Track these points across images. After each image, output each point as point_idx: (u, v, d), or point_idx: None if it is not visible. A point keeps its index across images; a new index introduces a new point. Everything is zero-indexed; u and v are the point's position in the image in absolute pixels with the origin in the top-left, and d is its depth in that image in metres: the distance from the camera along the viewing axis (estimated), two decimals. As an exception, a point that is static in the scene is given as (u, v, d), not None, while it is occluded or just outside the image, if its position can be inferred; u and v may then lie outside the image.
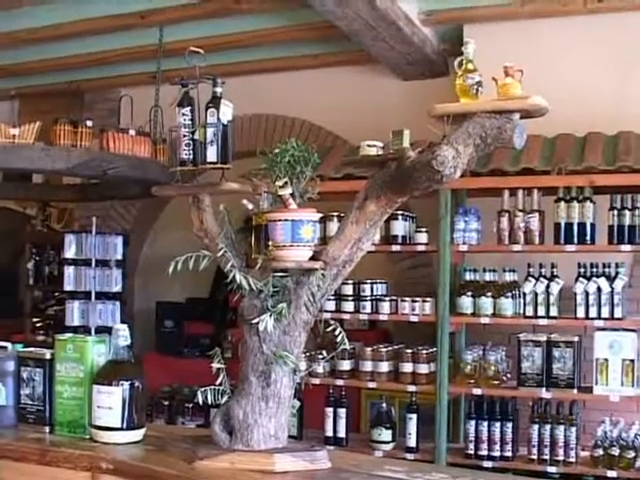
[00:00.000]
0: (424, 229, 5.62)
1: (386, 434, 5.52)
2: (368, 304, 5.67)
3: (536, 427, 5.14)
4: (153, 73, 6.54)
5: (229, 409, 2.46)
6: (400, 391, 5.61)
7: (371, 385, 5.63)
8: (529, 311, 5.20)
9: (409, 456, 5.33)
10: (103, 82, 7.90)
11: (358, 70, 6.94)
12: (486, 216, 5.40)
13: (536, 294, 5.18)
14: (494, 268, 5.43)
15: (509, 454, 5.23)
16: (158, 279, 7.54)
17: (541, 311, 5.16)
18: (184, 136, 2.58)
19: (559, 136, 5.39)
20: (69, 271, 6.94)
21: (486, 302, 5.29)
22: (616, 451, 4.94)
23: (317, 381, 5.46)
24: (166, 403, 7.13)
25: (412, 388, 5.47)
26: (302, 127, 7.24)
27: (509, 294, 5.27)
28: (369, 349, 5.61)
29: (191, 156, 2.58)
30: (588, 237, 5.09)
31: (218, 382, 2.50)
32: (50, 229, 8.36)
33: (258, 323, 2.40)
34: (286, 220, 2.40)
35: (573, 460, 5.06)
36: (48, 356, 2.80)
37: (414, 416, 5.45)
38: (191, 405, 6.94)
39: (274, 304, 2.44)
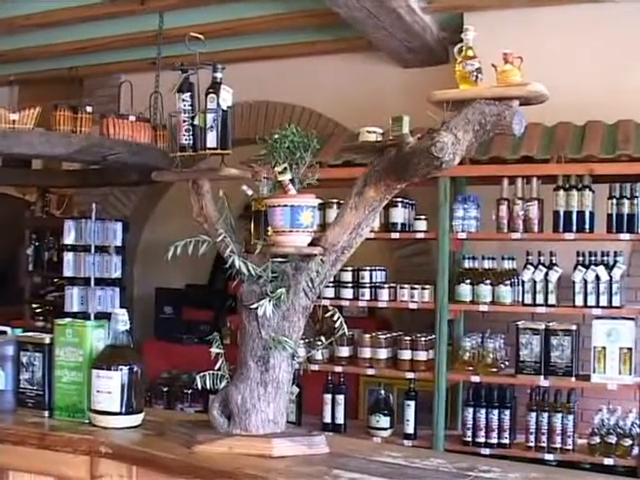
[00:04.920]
0: (423, 216, 5.62)
1: (384, 421, 5.54)
2: (367, 291, 5.68)
3: (534, 415, 5.15)
4: (153, 59, 6.52)
5: (228, 394, 2.47)
6: (398, 378, 5.62)
7: (370, 372, 5.64)
8: (528, 299, 5.21)
9: (407, 442, 5.36)
10: (103, 68, 7.88)
11: (358, 57, 6.93)
12: (485, 204, 5.41)
13: (535, 282, 5.18)
14: (493, 256, 5.43)
15: (506, 441, 5.25)
16: (157, 265, 7.49)
17: (539, 299, 5.17)
18: (184, 122, 2.58)
19: (559, 124, 5.39)
20: (68, 257, 6.95)
21: (485, 290, 5.30)
22: (613, 439, 4.96)
23: (316, 367, 5.46)
24: (165, 389, 7.15)
25: (410, 375, 5.49)
26: (302, 114, 7.23)
27: (508, 282, 5.28)
28: (368, 336, 5.63)
29: (191, 142, 2.58)
30: (587, 225, 5.09)
31: (217, 367, 2.51)
32: (50, 215, 8.33)
33: (257, 308, 2.40)
34: (285, 205, 2.40)
35: (570, 448, 5.09)
36: (47, 341, 2.81)
37: (412, 403, 5.47)
38: (190, 391, 6.96)
39: (273, 289, 2.44)
